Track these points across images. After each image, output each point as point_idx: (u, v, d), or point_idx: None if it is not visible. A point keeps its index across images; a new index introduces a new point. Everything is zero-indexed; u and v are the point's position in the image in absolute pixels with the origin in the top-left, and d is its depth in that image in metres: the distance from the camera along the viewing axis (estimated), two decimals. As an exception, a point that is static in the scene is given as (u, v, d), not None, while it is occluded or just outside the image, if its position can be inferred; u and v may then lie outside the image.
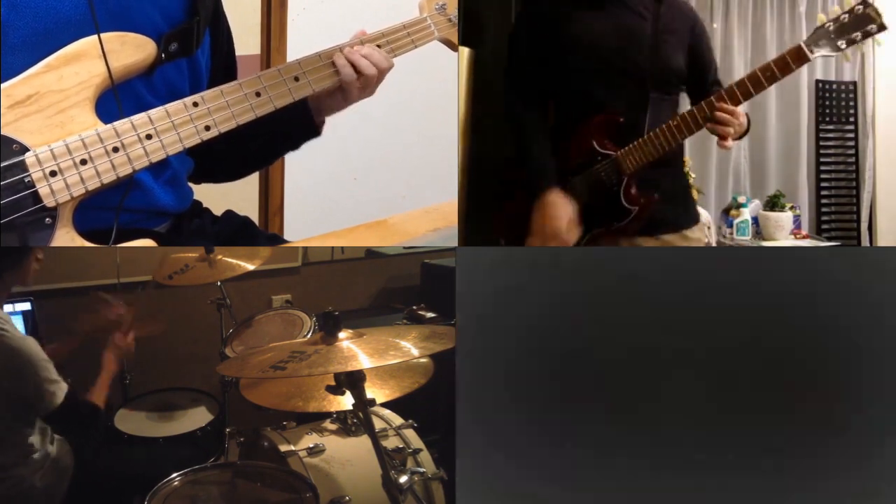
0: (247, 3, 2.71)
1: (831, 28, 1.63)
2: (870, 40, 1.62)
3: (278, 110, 1.52)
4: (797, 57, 1.66)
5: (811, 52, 1.64)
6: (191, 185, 1.63)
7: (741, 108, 1.75)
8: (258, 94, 1.44)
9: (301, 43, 2.75)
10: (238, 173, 1.81)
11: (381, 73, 1.57)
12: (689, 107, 1.82)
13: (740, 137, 1.85)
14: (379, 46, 1.60)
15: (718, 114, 1.71)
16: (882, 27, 1.61)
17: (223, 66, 1.60)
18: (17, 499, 1.90)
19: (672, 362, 1.86)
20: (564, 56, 1.86)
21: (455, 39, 1.78)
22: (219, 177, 1.76)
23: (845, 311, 1.78)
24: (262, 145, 1.66)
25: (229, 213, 1.71)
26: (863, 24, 1.61)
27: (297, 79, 1.48)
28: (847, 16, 1.62)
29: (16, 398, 1.90)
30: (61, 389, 1.92)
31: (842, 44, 1.63)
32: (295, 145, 1.70)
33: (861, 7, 1.60)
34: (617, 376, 1.88)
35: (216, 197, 1.74)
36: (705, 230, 2.25)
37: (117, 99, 1.31)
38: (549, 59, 1.88)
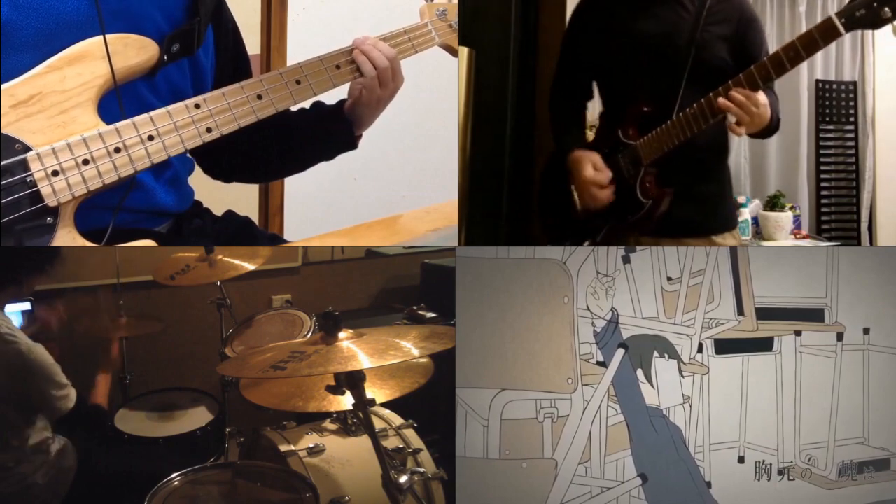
0: (247, 3, 2.71)
1: None
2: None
3: (321, 121, 1.59)
4: (826, 32, 1.46)
5: (844, 26, 1.43)
6: (201, 183, 1.64)
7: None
8: (259, 97, 1.44)
9: (301, 43, 2.75)
10: (274, 176, 1.83)
11: (393, 64, 1.58)
12: None
13: (766, 135, 1.79)
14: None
15: (733, 93, 1.62)
16: None
17: (231, 65, 1.60)
18: (19, 497, 1.91)
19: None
20: (608, 45, 1.87)
21: (456, 45, 1.78)
22: (256, 178, 1.79)
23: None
24: (301, 152, 1.70)
25: (230, 213, 1.71)
26: None
27: (298, 82, 1.49)
28: None
29: (23, 402, 1.90)
30: (73, 393, 1.93)
31: (885, 12, 1.39)
32: (331, 156, 1.73)
33: None
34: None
35: (216, 197, 1.74)
36: (741, 239, 2.18)
37: (119, 100, 1.31)
38: (596, 48, 1.90)
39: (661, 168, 1.79)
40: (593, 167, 1.80)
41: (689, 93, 1.75)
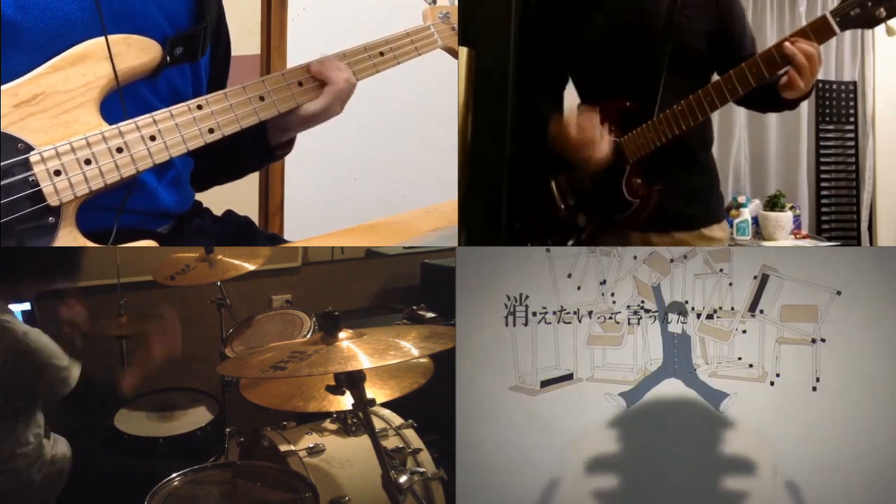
0: (247, 3, 2.72)
1: None
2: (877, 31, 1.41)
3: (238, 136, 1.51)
4: (820, 31, 1.42)
5: (839, 25, 1.39)
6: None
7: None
8: (262, 98, 1.44)
9: (301, 43, 2.75)
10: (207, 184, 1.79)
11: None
12: None
13: (795, 102, 1.61)
14: (382, 54, 1.60)
15: (803, 44, 1.41)
16: None
17: (219, 71, 1.61)
18: (15, 493, 1.90)
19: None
20: (578, 36, 1.79)
21: (458, 47, 1.78)
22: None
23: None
24: (226, 161, 1.64)
25: (229, 213, 1.71)
26: None
27: (300, 84, 1.49)
28: None
29: (19, 389, 1.89)
30: (73, 374, 1.91)
31: (880, 12, 1.36)
32: (255, 168, 1.71)
33: None
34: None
35: (216, 197, 1.74)
36: (728, 230, 2.10)
37: (122, 100, 1.31)
38: (563, 40, 1.81)
39: (647, 163, 1.71)
40: (578, 124, 1.68)
41: (668, 84, 1.67)
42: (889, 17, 1.36)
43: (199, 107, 1.37)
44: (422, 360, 1.81)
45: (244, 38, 2.63)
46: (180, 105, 1.36)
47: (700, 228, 1.82)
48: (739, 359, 1.82)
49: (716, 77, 1.64)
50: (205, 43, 1.45)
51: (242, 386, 1.86)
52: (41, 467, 1.96)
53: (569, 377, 1.87)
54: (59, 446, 2.05)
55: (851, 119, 3.60)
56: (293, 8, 2.78)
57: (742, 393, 1.82)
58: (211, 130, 1.38)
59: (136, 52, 1.33)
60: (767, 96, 1.61)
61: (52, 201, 1.24)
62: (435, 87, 2.56)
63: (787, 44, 1.44)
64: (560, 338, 1.88)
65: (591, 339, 1.87)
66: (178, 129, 1.34)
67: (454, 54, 1.79)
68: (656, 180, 1.73)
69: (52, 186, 1.24)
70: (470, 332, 1.87)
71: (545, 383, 1.87)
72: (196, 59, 1.44)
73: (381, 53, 1.59)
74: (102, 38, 1.28)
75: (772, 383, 1.81)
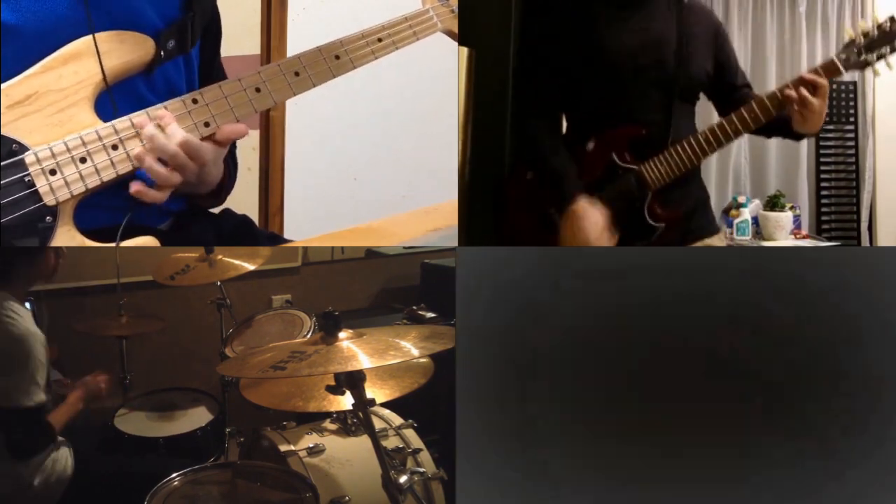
0: (247, 3, 2.71)
1: (861, 43, 1.67)
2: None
3: None
4: (829, 71, 1.69)
5: (843, 65, 1.69)
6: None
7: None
8: (258, 90, 1.44)
9: (301, 43, 2.74)
10: None
11: (186, 148, 1.32)
12: (716, 116, 1.76)
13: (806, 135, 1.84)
14: (380, 40, 1.58)
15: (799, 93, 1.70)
16: None
17: (210, 55, 1.59)
18: (12, 497, 1.90)
19: (671, 361, 1.87)
20: (584, 64, 1.77)
21: (457, 30, 1.76)
22: None
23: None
24: None
25: (229, 213, 1.71)
26: (891, 39, 1.66)
27: (297, 73, 1.48)
28: (876, 31, 1.66)
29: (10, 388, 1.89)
30: (35, 399, 1.88)
31: (870, 58, 1.68)
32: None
33: (888, 24, 1.64)
34: (615, 375, 1.88)
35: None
36: (725, 240, 2.13)
37: (111, 97, 1.31)
38: (565, 68, 1.79)
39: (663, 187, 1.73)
40: (600, 233, 1.68)
41: (678, 110, 1.72)
42: (877, 60, 1.68)
43: (195, 101, 1.37)
44: (422, 360, 1.80)
45: (244, 38, 2.63)
46: (175, 100, 1.35)
47: (704, 239, 1.83)
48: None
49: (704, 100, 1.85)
50: (195, 32, 1.44)
51: (242, 386, 1.86)
52: (42, 474, 1.95)
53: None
54: (61, 451, 2.04)
55: (851, 119, 3.60)
56: (293, 8, 2.78)
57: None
58: (207, 124, 1.37)
59: (129, 47, 1.32)
60: (779, 127, 1.81)
61: (49, 200, 1.24)
62: (435, 86, 2.56)
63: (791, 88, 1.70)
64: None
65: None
66: (173, 123, 1.34)
67: (454, 37, 1.76)
68: (670, 202, 1.74)
69: (48, 186, 1.24)
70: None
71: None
72: (187, 49, 1.43)
73: (380, 39, 1.57)
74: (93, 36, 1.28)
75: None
